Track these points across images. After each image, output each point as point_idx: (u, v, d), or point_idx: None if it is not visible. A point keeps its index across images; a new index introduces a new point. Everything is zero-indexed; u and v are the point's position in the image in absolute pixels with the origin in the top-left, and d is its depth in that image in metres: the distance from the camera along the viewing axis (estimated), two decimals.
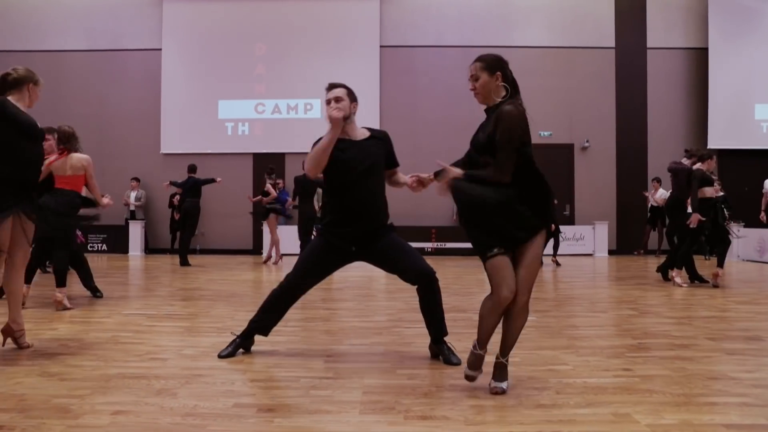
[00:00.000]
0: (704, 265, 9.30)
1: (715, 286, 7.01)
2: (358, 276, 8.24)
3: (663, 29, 13.70)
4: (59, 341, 3.90)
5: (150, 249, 13.61)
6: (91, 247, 13.28)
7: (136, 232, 13.10)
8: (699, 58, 13.64)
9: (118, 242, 13.24)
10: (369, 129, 3.49)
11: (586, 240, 12.97)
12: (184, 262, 9.99)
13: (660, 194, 12.50)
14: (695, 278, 7.52)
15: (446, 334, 3.43)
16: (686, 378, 3.03)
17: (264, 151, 13.40)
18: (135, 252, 12.97)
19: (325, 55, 13.54)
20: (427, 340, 3.98)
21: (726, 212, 8.05)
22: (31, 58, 13.89)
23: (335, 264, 3.47)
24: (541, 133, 13.70)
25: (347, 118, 3.31)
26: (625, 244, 13.48)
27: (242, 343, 3.52)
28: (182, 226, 10.56)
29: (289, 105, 13.65)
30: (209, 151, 13.59)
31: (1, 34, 13.98)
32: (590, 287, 7.22)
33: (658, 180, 12.64)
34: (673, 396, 2.73)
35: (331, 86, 3.37)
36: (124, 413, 2.48)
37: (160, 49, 13.79)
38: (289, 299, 3.48)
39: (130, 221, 13.19)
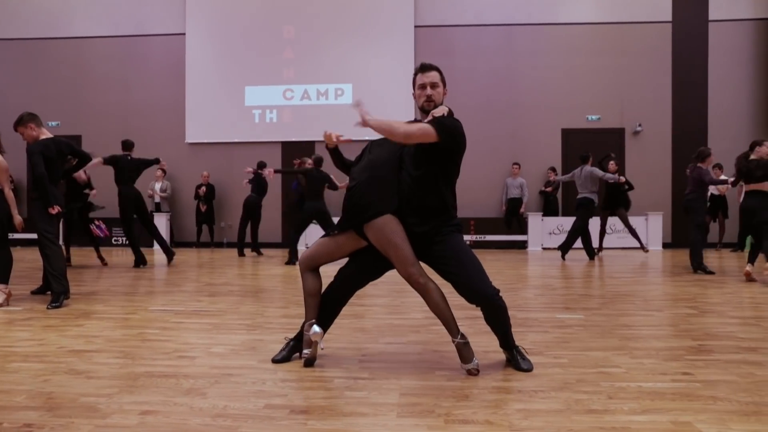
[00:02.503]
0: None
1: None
2: (392, 271, 8.24)
3: None
4: (85, 338, 4.02)
5: (176, 242, 13.90)
6: (114, 240, 13.65)
7: (161, 224, 13.35)
8: None
9: (142, 235, 13.53)
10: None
11: (639, 232, 12.65)
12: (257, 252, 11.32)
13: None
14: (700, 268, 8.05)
15: (512, 345, 3.28)
16: (755, 385, 2.93)
17: (293, 139, 13.51)
18: None
19: (356, 37, 13.53)
20: (469, 338, 3.96)
21: None
22: (54, 45, 14.34)
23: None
24: (589, 117, 13.45)
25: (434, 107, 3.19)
26: (681, 236, 13.11)
27: (297, 347, 3.44)
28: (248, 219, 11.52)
29: (318, 90, 13.70)
30: (236, 140, 13.78)
31: (25, 22, 14.43)
32: (643, 283, 7.06)
33: (719, 167, 12.23)
34: (741, 404, 2.64)
35: (425, 68, 3.21)
36: (153, 413, 2.54)
37: (184, 34, 14.01)
38: (348, 292, 3.42)
39: (155, 213, 13.47)
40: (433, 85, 3.19)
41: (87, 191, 9.45)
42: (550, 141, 13.40)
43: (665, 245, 12.82)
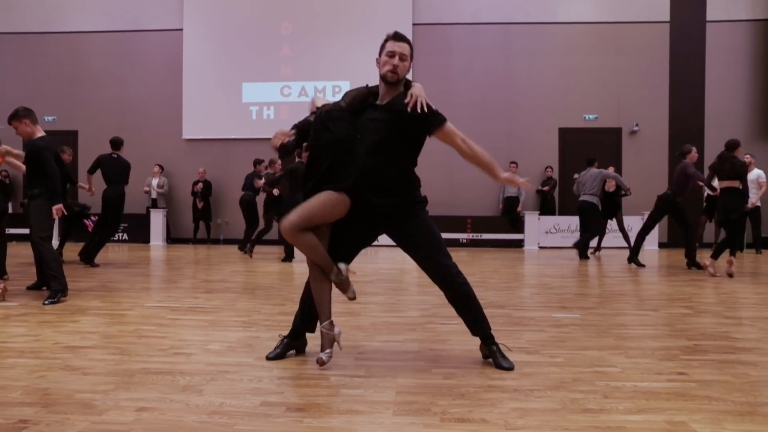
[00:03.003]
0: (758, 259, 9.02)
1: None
2: (389, 269, 8.25)
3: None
4: (81, 334, 4.01)
5: (172, 239, 13.88)
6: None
7: (157, 220, 13.37)
8: (766, 31, 13.13)
9: (139, 231, 13.54)
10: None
11: (635, 231, 12.65)
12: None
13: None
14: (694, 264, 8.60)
15: (486, 334, 3.29)
16: (750, 385, 2.94)
17: None
18: (157, 242, 13.25)
19: (354, 35, 13.51)
20: (465, 337, 3.97)
21: None
22: (50, 40, 14.29)
23: (367, 234, 3.32)
24: (586, 117, 13.47)
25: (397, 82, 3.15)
26: (678, 236, 13.07)
27: (291, 344, 3.44)
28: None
29: (316, 87, 13.68)
30: (233, 137, 13.76)
31: (20, 16, 14.37)
32: (639, 283, 7.08)
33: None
34: (736, 404, 2.66)
35: (399, 37, 3.13)
36: (149, 410, 2.54)
37: (181, 30, 13.98)
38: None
39: (151, 210, 13.46)
40: (402, 57, 3.11)
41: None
42: (547, 140, 13.42)
43: (661, 245, 12.86)
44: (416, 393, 2.78)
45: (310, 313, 3.40)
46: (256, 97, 13.79)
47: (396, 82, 3.16)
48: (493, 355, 3.25)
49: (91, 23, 14.23)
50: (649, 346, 3.75)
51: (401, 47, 3.11)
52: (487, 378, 3.03)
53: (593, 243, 10.85)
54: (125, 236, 13.63)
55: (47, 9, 14.29)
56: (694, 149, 8.99)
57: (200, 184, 13.32)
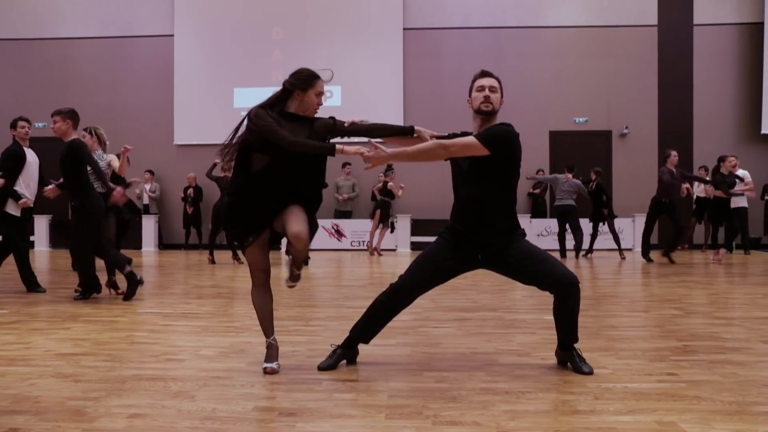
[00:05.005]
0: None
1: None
2: (381, 272, 8.26)
3: (711, 3, 13.36)
4: (73, 341, 3.99)
5: (164, 244, 13.83)
6: None
7: (149, 226, 13.31)
8: (752, 34, 13.27)
9: (130, 237, 13.44)
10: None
11: (626, 234, 12.76)
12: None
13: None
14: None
15: (576, 340, 3.24)
16: (738, 384, 2.97)
17: None
18: (148, 247, 13.19)
19: (345, 39, 13.54)
20: (457, 340, 3.98)
21: None
22: (41, 45, 14.23)
23: (458, 271, 3.30)
24: (576, 119, 13.55)
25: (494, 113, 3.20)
26: (668, 238, 13.22)
27: (345, 354, 3.36)
28: None
29: None
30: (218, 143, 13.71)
31: (11, 22, 14.30)
32: (630, 284, 7.12)
33: (705, 168, 12.38)
34: (724, 404, 2.68)
35: (485, 73, 3.22)
36: (141, 416, 2.53)
37: (173, 35, 13.96)
38: (397, 305, 3.31)
39: (143, 215, 13.40)
40: (492, 89, 3.18)
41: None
42: (538, 143, 13.47)
43: (652, 246, 12.91)
44: (408, 396, 2.79)
45: (369, 325, 3.35)
46: (247, 102, 13.70)
47: (490, 113, 3.20)
48: (572, 361, 3.21)
49: (82, 29, 14.17)
50: (640, 347, 3.78)
51: (489, 81, 3.21)
52: (479, 381, 3.04)
53: (578, 245, 10.90)
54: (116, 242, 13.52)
55: (38, 15, 14.22)
56: (673, 153, 9.49)
57: (191, 190, 13.28)
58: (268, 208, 3.16)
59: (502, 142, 3.11)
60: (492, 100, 3.17)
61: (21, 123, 6.36)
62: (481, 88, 3.18)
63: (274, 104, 3.20)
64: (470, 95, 3.25)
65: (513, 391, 2.86)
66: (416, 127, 3.29)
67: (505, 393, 2.83)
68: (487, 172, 3.13)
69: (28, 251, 6.48)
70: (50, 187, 6.18)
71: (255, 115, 3.13)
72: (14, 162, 6.24)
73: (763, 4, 13.08)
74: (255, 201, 3.16)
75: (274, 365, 3.19)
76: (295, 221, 3.04)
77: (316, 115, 3.26)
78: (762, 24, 13.08)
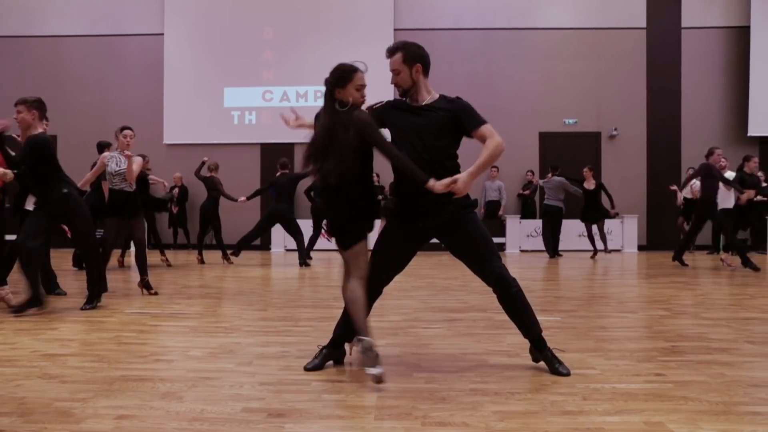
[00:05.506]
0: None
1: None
2: None
3: (699, 6, 13.47)
4: (60, 341, 3.95)
5: (153, 245, 13.71)
6: None
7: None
8: (739, 38, 13.39)
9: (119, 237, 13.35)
10: (444, 96, 3.26)
11: (615, 235, 12.85)
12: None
13: (696, 185, 12.31)
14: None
15: (539, 333, 3.21)
16: (725, 385, 2.99)
17: (272, 141, 13.43)
18: None
19: (336, 39, 13.51)
20: (446, 341, 3.99)
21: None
22: (29, 43, 14.09)
23: (409, 243, 3.24)
24: (566, 121, 13.61)
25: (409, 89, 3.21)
26: (656, 239, 13.34)
27: (331, 354, 3.35)
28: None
29: (298, 92, 13.66)
30: (215, 142, 13.66)
31: None
32: (619, 285, 7.16)
33: (693, 169, 12.46)
34: (711, 404, 2.70)
35: (388, 53, 3.26)
36: (128, 417, 2.51)
37: (162, 34, 13.87)
38: (371, 296, 3.23)
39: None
40: (395, 72, 3.22)
41: None
42: (528, 144, 13.52)
43: (640, 247, 13.01)
44: (398, 397, 2.79)
45: (351, 321, 3.25)
46: (237, 101, 13.71)
47: (409, 88, 3.22)
48: (547, 362, 3.20)
49: (70, 27, 14.05)
50: (628, 348, 3.80)
51: (391, 63, 3.22)
52: (468, 381, 3.04)
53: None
54: None
55: (25, 12, 14.08)
56: (717, 151, 9.03)
57: (176, 189, 13.20)
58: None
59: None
60: (399, 83, 3.25)
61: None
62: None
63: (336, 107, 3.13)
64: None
65: (502, 391, 2.87)
66: (429, 183, 3.00)
67: (495, 394, 2.84)
68: (444, 142, 3.16)
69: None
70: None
71: (370, 125, 3.07)
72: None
73: (749, 9, 13.21)
74: (374, 198, 3.25)
75: (381, 370, 2.95)
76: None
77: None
78: (748, 28, 13.20)
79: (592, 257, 11.03)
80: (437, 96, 3.24)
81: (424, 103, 3.22)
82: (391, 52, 3.25)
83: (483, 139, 3.11)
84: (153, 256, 9.42)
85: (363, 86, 3.15)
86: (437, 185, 2.94)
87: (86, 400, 2.72)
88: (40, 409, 2.60)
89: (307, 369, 3.25)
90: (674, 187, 12.73)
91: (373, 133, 3.06)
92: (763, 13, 13.14)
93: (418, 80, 3.22)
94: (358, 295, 3.12)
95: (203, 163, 10.01)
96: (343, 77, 3.11)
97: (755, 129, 13.19)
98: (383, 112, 3.30)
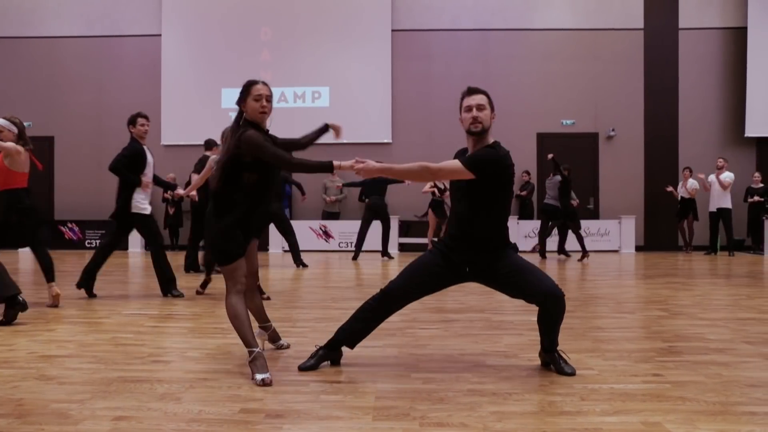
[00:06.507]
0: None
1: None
2: (370, 274, 8.25)
3: (696, 8, 13.50)
4: (57, 343, 3.94)
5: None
6: (89, 243, 13.42)
7: None
8: (736, 39, 13.43)
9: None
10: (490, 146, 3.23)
11: (612, 235, 12.88)
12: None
13: (691, 185, 12.37)
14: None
15: (557, 345, 3.27)
16: (722, 385, 3.00)
17: None
18: (135, 249, 13.08)
19: (333, 40, 13.53)
20: (444, 342, 3.99)
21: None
22: (26, 44, 14.07)
23: (448, 281, 3.30)
24: (563, 122, 13.63)
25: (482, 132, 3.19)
26: (653, 239, 13.37)
27: (327, 355, 3.36)
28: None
29: (296, 93, 13.66)
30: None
31: None
32: (616, 286, 7.17)
33: (689, 169, 12.52)
34: (708, 404, 2.71)
35: (472, 91, 3.22)
36: (126, 419, 2.51)
37: (160, 35, 13.86)
38: (385, 311, 3.31)
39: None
40: (480, 107, 3.16)
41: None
42: (526, 145, 13.54)
43: (638, 248, 13.04)
44: (396, 398, 2.79)
45: (356, 329, 3.34)
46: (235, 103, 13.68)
47: (484, 131, 3.19)
48: (554, 362, 3.24)
49: (67, 28, 14.03)
50: (626, 348, 3.81)
51: (476, 99, 3.18)
52: (466, 382, 3.05)
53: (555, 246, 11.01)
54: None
55: (22, 13, 14.06)
56: None
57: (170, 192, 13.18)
58: (257, 219, 3.34)
59: (488, 165, 3.11)
60: (481, 119, 3.16)
61: (141, 120, 6.09)
62: (469, 108, 3.18)
63: (240, 124, 3.34)
64: (460, 114, 3.26)
65: (500, 392, 2.87)
66: (329, 123, 3.74)
67: (492, 394, 2.84)
68: (477, 191, 3.15)
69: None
70: (179, 191, 6.54)
71: (248, 139, 3.18)
72: (138, 161, 5.99)
73: (746, 10, 13.25)
74: (251, 214, 3.27)
75: (267, 375, 3.04)
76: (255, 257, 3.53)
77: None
78: (745, 29, 13.24)
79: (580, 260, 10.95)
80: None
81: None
82: (476, 90, 3.24)
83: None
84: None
85: (260, 96, 3.32)
86: (343, 164, 3.14)
87: (84, 402, 2.72)
88: (38, 411, 2.60)
89: (301, 369, 3.26)
90: (670, 188, 12.77)
91: (261, 149, 3.18)
92: (760, 14, 13.19)
93: (490, 127, 3.23)
94: (238, 309, 3.21)
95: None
96: (241, 93, 3.40)
97: (752, 130, 13.23)
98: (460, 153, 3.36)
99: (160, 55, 13.83)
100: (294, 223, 9.91)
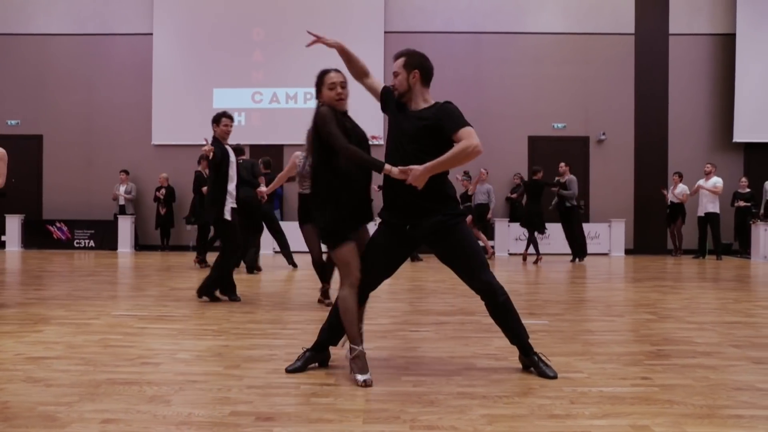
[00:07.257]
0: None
1: None
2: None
3: (686, 14, 13.62)
4: (44, 344, 3.91)
5: (140, 245, 13.63)
6: (77, 243, 13.31)
7: (125, 227, 13.13)
8: (725, 45, 13.56)
9: (106, 238, 13.27)
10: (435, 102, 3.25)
11: (602, 239, 12.96)
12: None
13: (680, 189, 12.46)
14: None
15: (527, 340, 3.28)
16: (709, 388, 3.03)
17: (261, 142, 13.37)
18: (124, 248, 13.00)
19: None
20: (434, 344, 4.00)
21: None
22: (14, 41, 13.95)
23: (398, 248, 3.25)
24: (554, 125, 13.70)
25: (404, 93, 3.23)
26: (643, 243, 13.46)
27: (314, 357, 3.35)
28: None
29: (288, 94, 13.63)
30: (203, 143, 13.57)
31: None
32: (606, 289, 7.21)
33: (679, 174, 12.61)
34: (696, 407, 2.73)
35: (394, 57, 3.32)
36: (115, 422, 2.49)
37: (151, 34, 13.79)
38: (359, 300, 3.25)
39: (119, 216, 13.21)
40: (395, 74, 3.28)
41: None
42: (517, 148, 13.60)
43: (627, 251, 13.11)
44: (386, 401, 2.79)
45: (338, 326, 3.28)
46: (227, 103, 13.61)
47: (404, 93, 3.25)
48: (535, 365, 3.25)
49: (57, 25, 13.92)
50: (615, 352, 3.83)
51: (393, 66, 3.31)
52: (457, 385, 3.05)
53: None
54: (92, 243, 13.33)
55: (10, 10, 13.93)
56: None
57: (162, 190, 13.12)
58: (363, 205, 3.28)
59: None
60: (396, 86, 3.28)
61: (225, 120, 6.04)
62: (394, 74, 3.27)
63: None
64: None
65: (490, 395, 2.88)
66: (386, 168, 3.12)
67: (483, 397, 2.85)
68: (422, 147, 3.12)
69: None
70: (262, 189, 6.37)
71: (319, 114, 3.21)
72: (224, 161, 5.88)
73: (735, 17, 13.39)
74: (351, 198, 3.20)
75: (368, 376, 3.04)
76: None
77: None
78: (734, 35, 13.38)
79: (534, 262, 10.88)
80: (431, 103, 3.25)
81: (416, 110, 3.23)
82: (396, 56, 3.35)
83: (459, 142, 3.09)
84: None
85: (335, 84, 3.30)
86: (394, 170, 3.05)
87: (71, 404, 2.70)
88: (24, 414, 2.58)
89: (288, 371, 3.25)
90: (664, 191, 12.87)
91: (325, 126, 3.15)
92: (749, 21, 13.34)
93: (413, 87, 3.25)
94: (349, 304, 3.15)
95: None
96: (317, 83, 3.37)
97: (740, 135, 13.36)
98: (388, 95, 3.37)
99: (151, 55, 13.76)
100: (285, 225, 9.88)
